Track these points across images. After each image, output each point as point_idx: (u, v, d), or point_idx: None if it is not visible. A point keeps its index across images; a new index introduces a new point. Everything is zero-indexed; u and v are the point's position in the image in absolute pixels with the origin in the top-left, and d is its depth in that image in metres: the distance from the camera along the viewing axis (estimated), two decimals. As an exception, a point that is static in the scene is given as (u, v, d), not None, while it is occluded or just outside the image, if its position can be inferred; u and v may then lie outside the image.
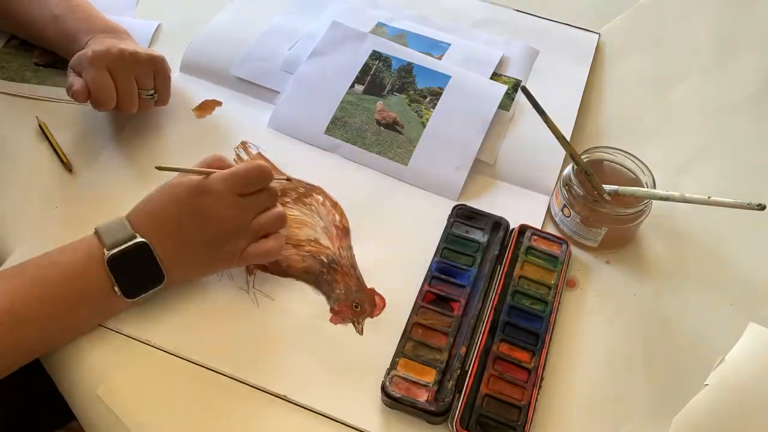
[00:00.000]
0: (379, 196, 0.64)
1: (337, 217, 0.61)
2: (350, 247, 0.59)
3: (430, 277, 0.57)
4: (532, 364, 0.52)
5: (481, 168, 0.67)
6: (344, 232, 0.60)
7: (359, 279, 0.57)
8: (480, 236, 0.60)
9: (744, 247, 0.63)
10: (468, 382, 0.51)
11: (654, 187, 0.59)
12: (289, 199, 0.62)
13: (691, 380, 0.54)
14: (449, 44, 0.77)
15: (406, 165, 0.66)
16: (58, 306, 0.48)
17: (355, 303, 0.56)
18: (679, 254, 0.62)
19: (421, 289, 0.56)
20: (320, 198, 0.63)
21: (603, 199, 0.59)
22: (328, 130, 0.68)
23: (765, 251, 0.63)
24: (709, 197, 0.54)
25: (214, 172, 0.52)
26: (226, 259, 0.53)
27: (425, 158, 0.66)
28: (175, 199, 0.51)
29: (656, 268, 0.61)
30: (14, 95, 0.69)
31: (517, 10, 0.83)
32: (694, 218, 0.64)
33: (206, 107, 0.70)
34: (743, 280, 0.61)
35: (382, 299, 0.56)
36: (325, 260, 0.58)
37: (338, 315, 0.55)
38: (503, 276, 0.57)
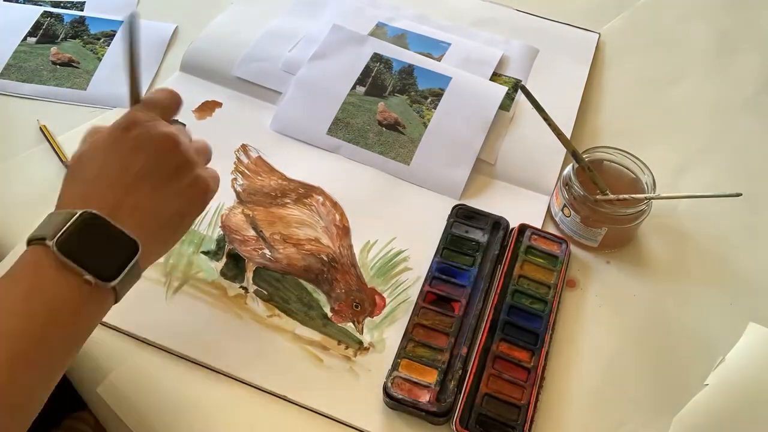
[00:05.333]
0: (381, 195, 0.64)
1: (337, 217, 0.61)
2: (350, 246, 0.60)
3: (431, 278, 0.57)
4: (532, 364, 0.52)
5: (482, 168, 0.67)
6: (344, 231, 0.61)
7: (359, 278, 0.58)
8: (480, 236, 0.60)
9: (744, 247, 0.63)
10: (468, 381, 0.51)
11: (654, 187, 0.59)
12: (289, 200, 0.62)
13: (691, 380, 0.54)
14: (449, 44, 0.77)
15: (409, 165, 0.66)
16: (21, 339, 0.36)
17: (355, 302, 0.56)
18: (679, 254, 0.62)
19: (421, 289, 0.56)
20: (320, 198, 0.63)
21: (604, 196, 0.59)
22: (330, 131, 0.68)
23: (765, 251, 0.63)
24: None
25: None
26: (198, 185, 0.45)
27: (427, 158, 0.66)
28: (101, 154, 0.42)
29: (656, 268, 0.61)
30: (16, 96, 0.69)
31: (518, 10, 0.84)
32: (694, 218, 0.64)
33: (206, 109, 0.70)
34: (743, 280, 0.61)
35: (383, 299, 0.56)
36: (325, 259, 0.58)
37: (338, 314, 0.55)
38: (503, 275, 0.57)
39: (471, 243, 0.60)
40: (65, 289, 0.37)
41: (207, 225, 0.60)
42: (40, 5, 0.78)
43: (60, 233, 0.37)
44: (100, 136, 0.43)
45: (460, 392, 0.50)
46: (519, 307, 0.56)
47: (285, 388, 0.51)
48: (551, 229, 0.63)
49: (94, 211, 0.39)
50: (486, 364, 0.52)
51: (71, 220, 0.38)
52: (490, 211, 0.62)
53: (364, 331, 0.55)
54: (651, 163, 0.61)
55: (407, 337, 0.53)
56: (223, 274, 0.57)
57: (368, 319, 0.55)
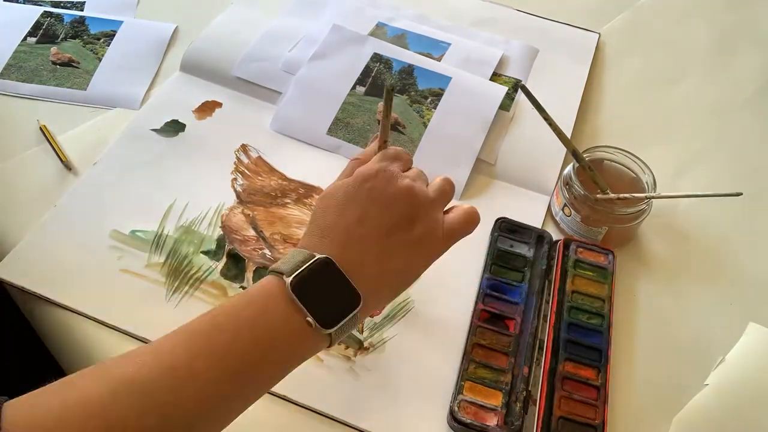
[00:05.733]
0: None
1: (338, 217, 0.61)
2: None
3: (483, 295, 0.56)
4: (600, 381, 0.51)
5: (482, 168, 0.67)
6: (345, 231, 0.61)
7: (360, 279, 0.57)
8: (525, 250, 0.59)
9: (744, 247, 0.63)
10: (540, 405, 0.50)
11: (654, 186, 0.59)
12: (289, 200, 0.62)
13: (691, 380, 0.54)
14: (449, 44, 0.77)
15: (407, 165, 0.66)
16: (239, 359, 0.38)
17: (355, 303, 0.56)
18: (679, 254, 0.62)
19: (474, 307, 0.55)
20: (321, 198, 0.63)
21: (605, 195, 0.59)
22: (330, 131, 0.68)
23: (765, 251, 0.63)
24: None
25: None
26: (428, 238, 0.44)
27: (427, 158, 0.66)
28: (340, 202, 0.43)
29: (657, 267, 0.61)
30: (16, 96, 0.69)
31: (518, 10, 0.84)
32: (694, 218, 0.64)
33: (206, 109, 0.70)
34: (743, 280, 0.61)
35: (383, 299, 0.56)
36: (325, 260, 0.58)
37: (339, 315, 0.55)
38: (556, 292, 0.56)
39: (518, 258, 0.59)
40: (288, 324, 0.39)
41: (207, 225, 0.60)
42: (40, 5, 0.78)
43: (297, 272, 0.39)
44: (338, 186, 0.44)
45: (526, 413, 0.50)
46: (577, 323, 0.55)
47: (285, 388, 0.51)
48: (551, 229, 0.63)
49: (330, 259, 0.40)
50: (555, 386, 0.51)
51: (309, 263, 0.40)
52: (490, 211, 0.61)
53: (364, 331, 0.55)
54: (651, 162, 0.61)
55: (467, 357, 0.52)
56: (223, 274, 0.57)
57: (368, 319, 0.55)
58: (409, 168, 0.47)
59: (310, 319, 0.39)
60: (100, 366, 0.36)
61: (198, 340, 0.37)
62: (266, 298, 0.39)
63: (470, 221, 0.46)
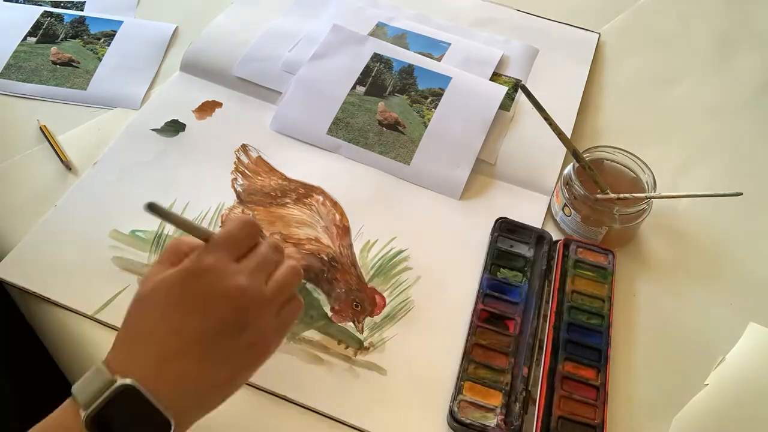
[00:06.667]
0: (381, 195, 0.64)
1: (337, 216, 0.61)
2: (350, 246, 0.60)
3: (483, 294, 0.56)
4: (599, 381, 0.51)
5: (482, 168, 0.67)
6: (344, 230, 0.61)
7: (359, 277, 0.58)
8: (525, 250, 0.59)
9: (744, 247, 0.63)
10: (539, 405, 0.50)
11: (654, 186, 0.59)
12: (289, 200, 0.62)
13: (691, 380, 0.54)
14: (449, 44, 0.77)
15: (409, 164, 0.66)
16: None
17: (355, 302, 0.56)
18: (679, 254, 0.62)
19: (474, 307, 0.55)
20: (320, 198, 0.63)
21: (605, 195, 0.59)
22: (330, 131, 0.68)
23: (765, 251, 0.63)
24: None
25: (210, 233, 0.40)
26: (259, 343, 0.40)
27: (427, 158, 0.66)
28: (158, 307, 0.38)
29: (657, 267, 0.61)
30: (16, 96, 0.69)
31: (518, 10, 0.84)
32: (694, 218, 0.64)
33: (206, 109, 0.70)
34: (743, 280, 0.61)
35: (383, 298, 0.56)
36: (325, 258, 0.58)
37: (339, 314, 0.55)
38: (556, 292, 0.56)
39: (518, 258, 0.59)
40: None
41: (207, 225, 0.60)
42: (40, 5, 0.78)
43: (92, 407, 0.35)
44: (163, 280, 0.39)
45: (525, 413, 0.50)
46: (577, 323, 0.55)
47: (285, 388, 0.51)
48: (551, 229, 0.63)
49: (130, 384, 0.35)
50: (555, 386, 0.51)
51: (106, 393, 0.35)
52: (491, 211, 0.62)
53: (365, 330, 0.55)
54: (651, 162, 0.61)
55: (467, 357, 0.52)
56: (223, 273, 0.57)
57: (368, 318, 0.55)
58: (255, 245, 0.42)
59: None
60: None
61: None
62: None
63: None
